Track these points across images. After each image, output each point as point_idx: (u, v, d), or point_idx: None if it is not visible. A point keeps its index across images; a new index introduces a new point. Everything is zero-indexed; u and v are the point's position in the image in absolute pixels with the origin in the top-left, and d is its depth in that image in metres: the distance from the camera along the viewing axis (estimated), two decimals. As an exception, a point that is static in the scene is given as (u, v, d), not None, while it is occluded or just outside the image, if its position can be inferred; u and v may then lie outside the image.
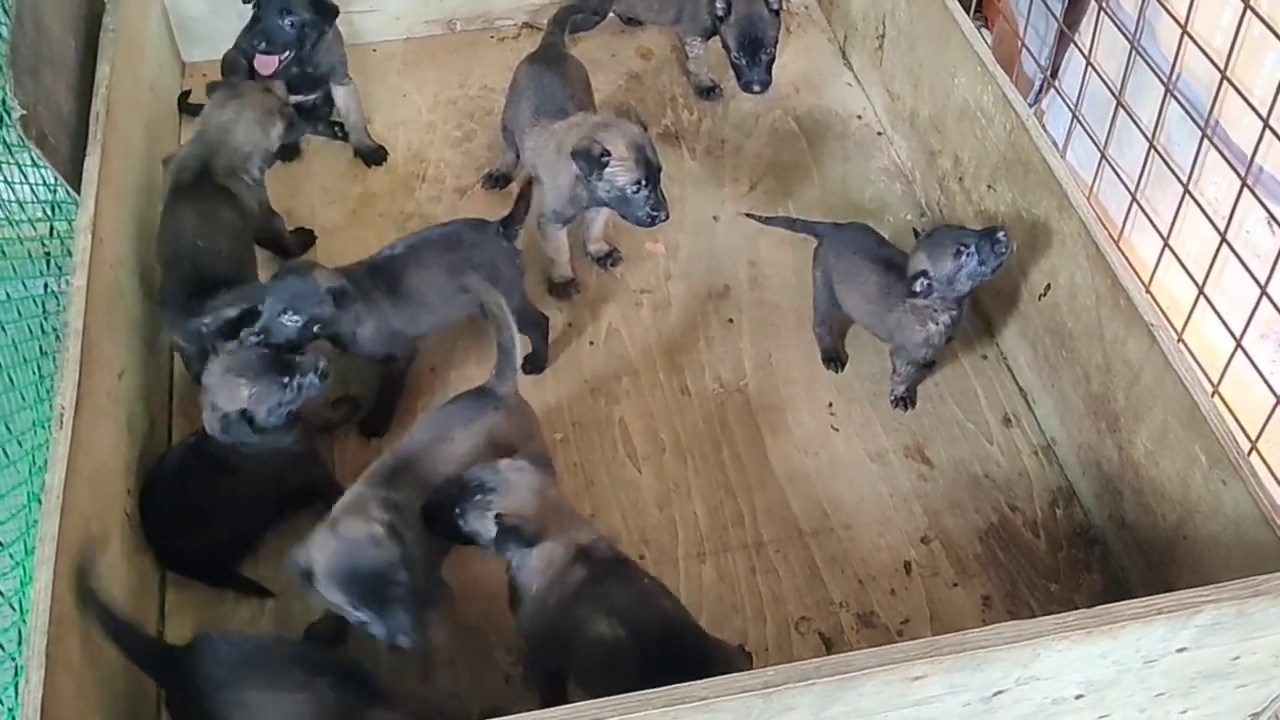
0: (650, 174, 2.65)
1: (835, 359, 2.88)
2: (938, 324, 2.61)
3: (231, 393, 2.33)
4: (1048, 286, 2.64)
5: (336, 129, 3.36)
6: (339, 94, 3.29)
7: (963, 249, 2.48)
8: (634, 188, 2.65)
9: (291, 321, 2.44)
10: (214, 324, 2.48)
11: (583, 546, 2.10)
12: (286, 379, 2.35)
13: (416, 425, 2.35)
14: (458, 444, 2.24)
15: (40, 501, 2.22)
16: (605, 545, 2.14)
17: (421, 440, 2.26)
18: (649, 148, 2.67)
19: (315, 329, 2.49)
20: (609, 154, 2.62)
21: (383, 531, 2.05)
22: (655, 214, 2.69)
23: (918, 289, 2.52)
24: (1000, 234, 2.47)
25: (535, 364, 2.83)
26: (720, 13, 3.20)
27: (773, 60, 3.23)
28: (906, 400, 2.79)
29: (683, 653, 2.01)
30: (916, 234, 2.86)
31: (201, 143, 2.74)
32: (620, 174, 2.64)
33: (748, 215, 3.08)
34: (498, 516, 2.06)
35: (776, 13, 3.20)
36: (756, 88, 3.24)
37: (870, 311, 2.73)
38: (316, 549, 2.05)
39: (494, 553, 2.11)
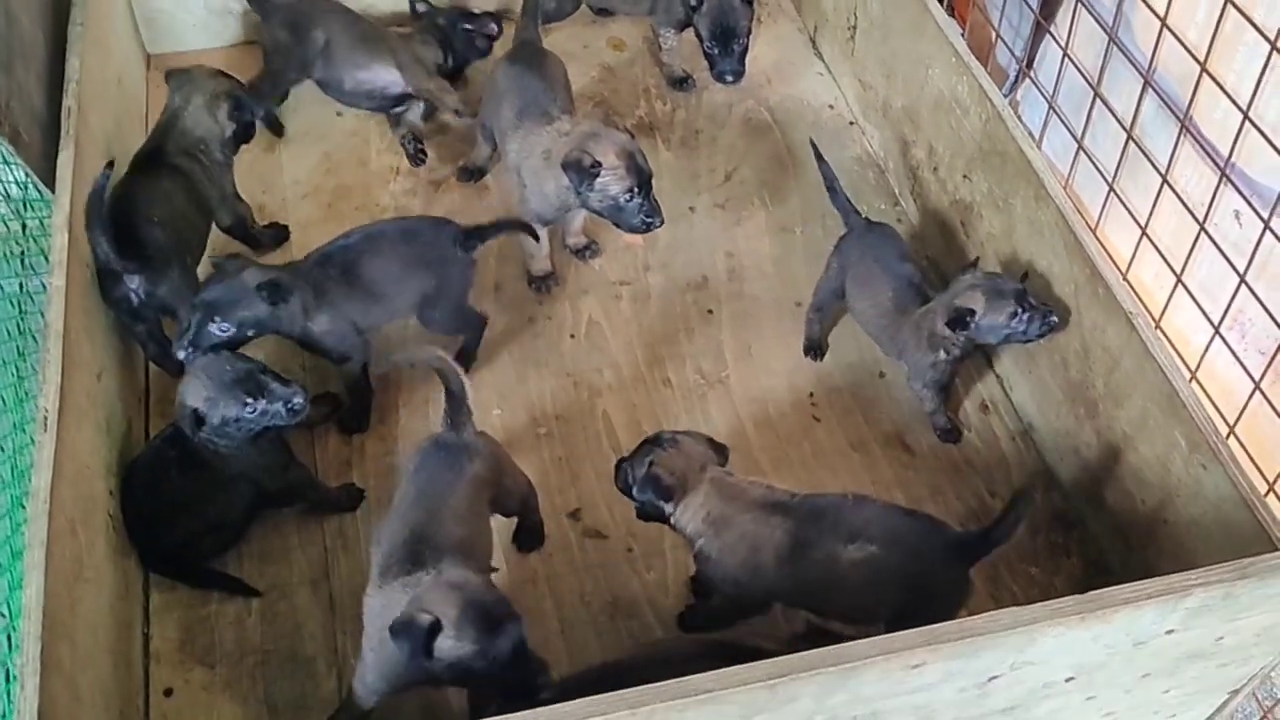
0: (642, 181, 2.66)
1: (816, 348, 2.89)
2: (948, 356, 2.60)
3: (194, 390, 2.31)
4: (1025, 275, 2.67)
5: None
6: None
7: (1020, 312, 2.47)
8: (626, 196, 2.65)
9: (221, 330, 2.41)
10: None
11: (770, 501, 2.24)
12: (250, 399, 2.30)
13: (404, 499, 2.21)
14: (457, 506, 2.19)
15: (23, 507, 2.20)
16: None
17: (422, 516, 2.16)
18: (639, 155, 2.67)
19: (251, 332, 2.45)
20: (600, 164, 2.62)
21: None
22: (649, 220, 2.70)
23: (958, 326, 2.50)
24: (1053, 318, 2.46)
25: (463, 363, 2.75)
26: (693, 2, 3.20)
27: (745, 50, 3.24)
28: (951, 431, 2.75)
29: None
30: (974, 264, 2.71)
31: (159, 126, 2.78)
32: (612, 183, 2.64)
33: (812, 142, 2.98)
34: (650, 464, 2.21)
35: (749, 2, 3.20)
36: (729, 78, 3.25)
37: (879, 323, 2.73)
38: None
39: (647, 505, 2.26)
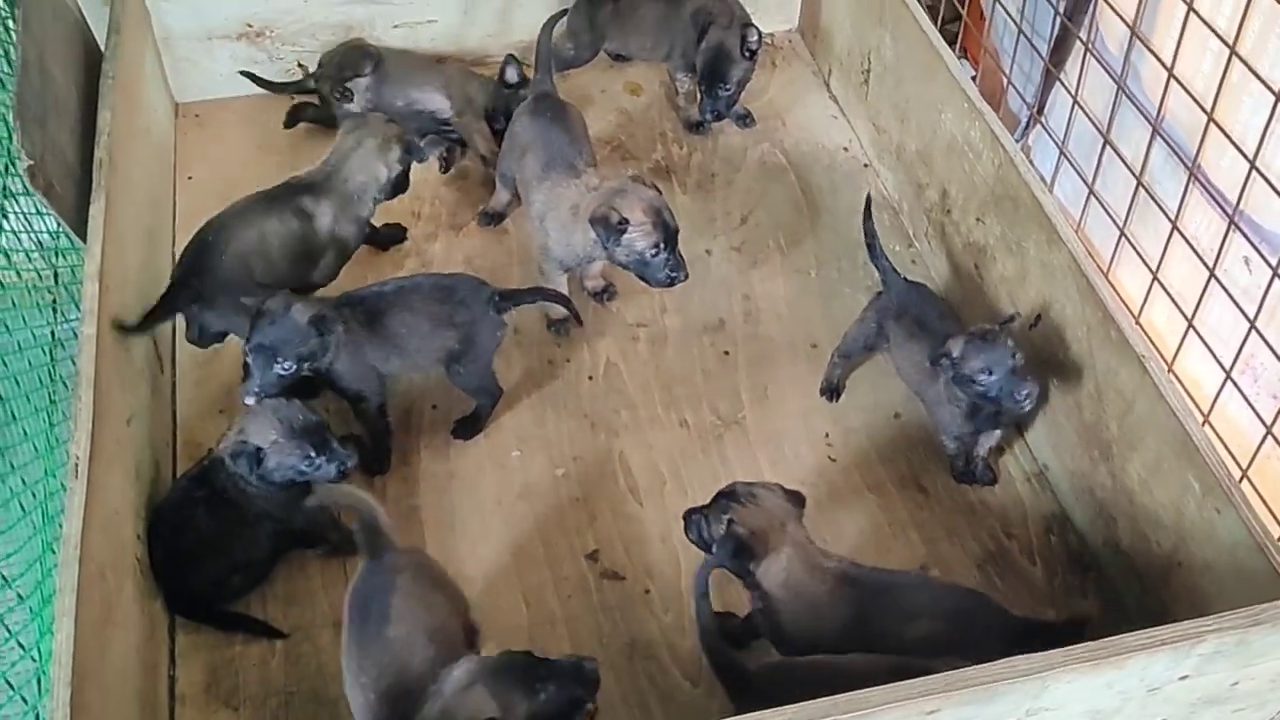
0: (668, 237, 2.71)
1: (834, 391, 2.92)
2: (958, 408, 2.60)
3: (262, 429, 2.37)
4: (1038, 317, 2.70)
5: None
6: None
7: (990, 372, 2.45)
8: (652, 251, 2.71)
9: (284, 370, 2.47)
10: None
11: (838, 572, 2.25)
12: (313, 454, 2.38)
13: (372, 644, 2.14)
14: (420, 631, 2.15)
15: (53, 551, 2.25)
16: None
17: (399, 654, 2.12)
18: (666, 211, 2.72)
19: (306, 367, 2.52)
20: (627, 221, 2.68)
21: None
22: (674, 275, 2.75)
23: (939, 360, 2.53)
24: (1025, 390, 2.44)
25: (470, 428, 2.84)
26: (695, 37, 3.32)
27: (732, 100, 3.36)
28: (966, 474, 2.77)
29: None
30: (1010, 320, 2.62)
31: (318, 168, 2.89)
32: (639, 239, 2.69)
33: (868, 200, 2.91)
34: (729, 522, 2.22)
35: (751, 57, 3.29)
36: (708, 116, 3.38)
37: (918, 379, 2.74)
38: None
39: (723, 562, 2.25)
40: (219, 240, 2.71)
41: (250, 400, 2.47)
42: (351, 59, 3.39)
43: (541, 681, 1.99)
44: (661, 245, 2.70)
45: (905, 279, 2.82)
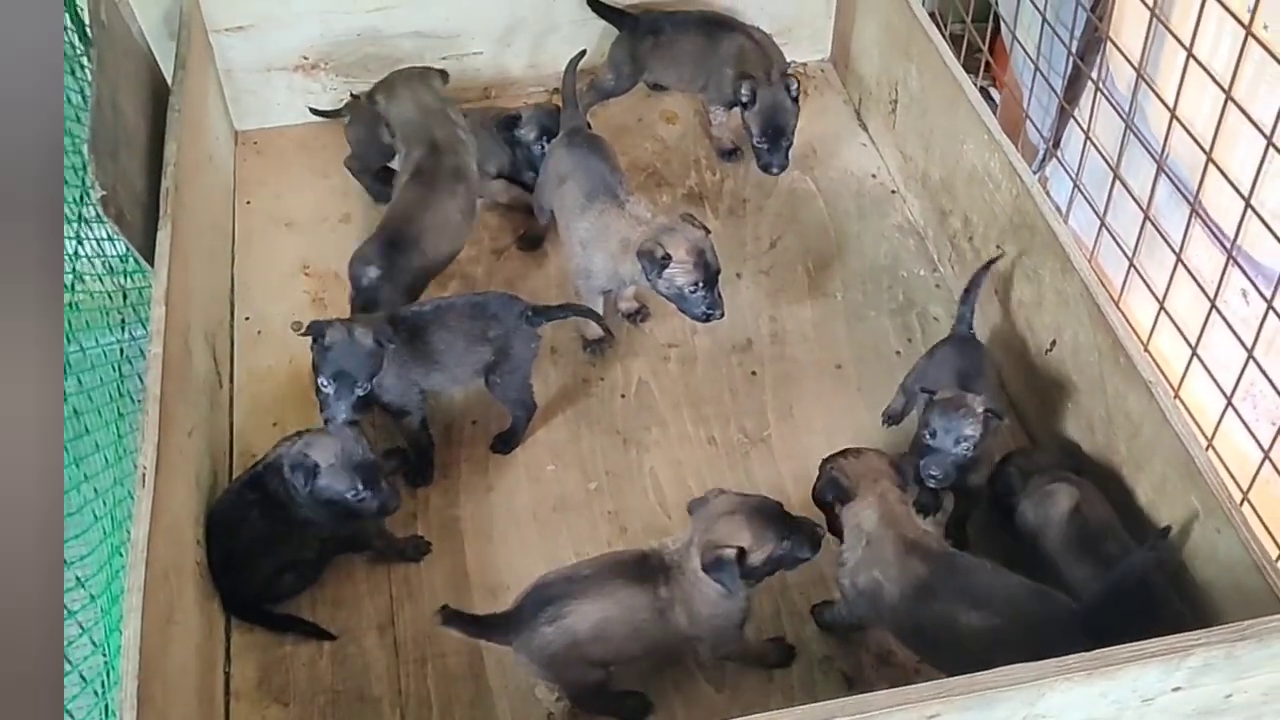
0: (708, 277, 2.85)
1: (894, 419, 3.00)
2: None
3: (325, 450, 2.53)
4: (1053, 342, 2.81)
5: None
6: None
7: (925, 434, 2.54)
8: (691, 288, 2.85)
9: (362, 390, 2.64)
10: None
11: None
12: (360, 488, 2.53)
13: None
14: None
15: (121, 554, 2.42)
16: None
17: None
18: (709, 252, 2.86)
19: (373, 383, 2.67)
20: (670, 257, 2.82)
21: None
22: (710, 312, 2.89)
23: (919, 389, 2.67)
24: (931, 470, 2.52)
25: (508, 442, 2.99)
26: (745, 99, 3.42)
27: (791, 145, 3.46)
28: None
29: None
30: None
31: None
32: (680, 275, 2.84)
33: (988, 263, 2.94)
34: (830, 468, 2.46)
35: (796, 100, 3.43)
36: (775, 170, 3.47)
37: None
38: None
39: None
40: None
41: (334, 428, 2.62)
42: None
43: (790, 532, 2.31)
44: (701, 283, 2.85)
45: (970, 333, 2.87)
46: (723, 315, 2.91)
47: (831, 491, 2.43)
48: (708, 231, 2.91)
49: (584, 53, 3.44)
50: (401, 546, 2.78)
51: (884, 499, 2.40)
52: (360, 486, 2.53)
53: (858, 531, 2.40)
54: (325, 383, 2.65)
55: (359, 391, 2.65)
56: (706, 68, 3.63)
